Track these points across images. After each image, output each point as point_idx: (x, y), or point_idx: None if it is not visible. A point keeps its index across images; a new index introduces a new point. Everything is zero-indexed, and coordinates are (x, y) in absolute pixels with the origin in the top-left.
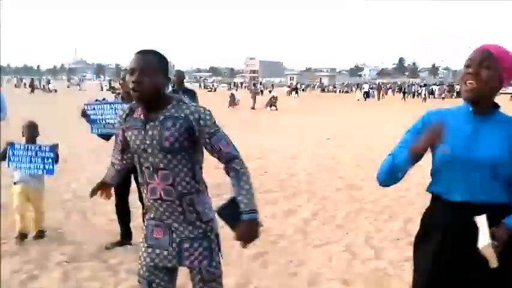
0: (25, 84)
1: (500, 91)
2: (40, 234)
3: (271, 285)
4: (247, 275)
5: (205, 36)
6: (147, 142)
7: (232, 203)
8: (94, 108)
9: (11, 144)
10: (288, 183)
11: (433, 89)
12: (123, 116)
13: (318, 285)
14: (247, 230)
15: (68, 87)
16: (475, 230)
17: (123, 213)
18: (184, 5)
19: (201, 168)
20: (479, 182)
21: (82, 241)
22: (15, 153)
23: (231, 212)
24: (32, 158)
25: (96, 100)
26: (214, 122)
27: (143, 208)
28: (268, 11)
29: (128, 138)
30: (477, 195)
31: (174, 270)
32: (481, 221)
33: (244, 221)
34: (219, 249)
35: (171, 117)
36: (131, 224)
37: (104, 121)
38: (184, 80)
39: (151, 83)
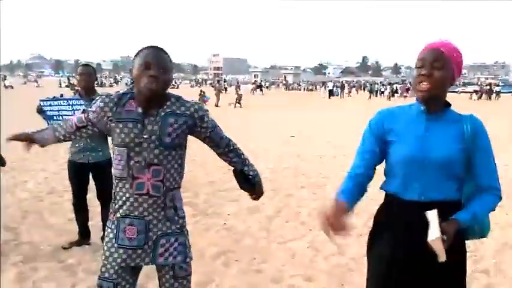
0: None
1: (460, 90)
2: None
3: (234, 283)
4: (209, 274)
5: (167, 32)
6: (145, 136)
7: (242, 172)
8: (50, 105)
9: None
10: None
11: (397, 88)
12: (110, 105)
13: (281, 282)
14: (260, 188)
15: (25, 83)
16: (423, 227)
17: (81, 212)
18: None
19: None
20: (433, 181)
21: (39, 241)
22: None
23: (244, 177)
24: None
25: (54, 97)
26: (212, 118)
27: (103, 206)
28: (232, 7)
29: (115, 130)
30: (432, 193)
31: (138, 272)
32: (432, 215)
33: (258, 182)
34: (190, 246)
35: (173, 114)
36: (89, 223)
37: (60, 117)
38: None
39: (166, 80)
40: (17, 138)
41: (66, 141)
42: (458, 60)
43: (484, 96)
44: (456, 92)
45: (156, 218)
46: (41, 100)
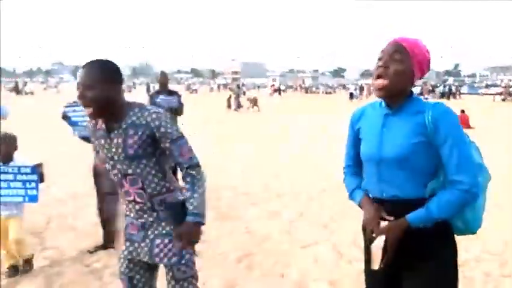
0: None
1: (483, 92)
2: (28, 265)
3: (257, 287)
4: (233, 278)
5: (186, 37)
6: (113, 150)
7: (181, 204)
8: (74, 110)
9: None
10: (272, 184)
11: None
12: (91, 128)
13: (305, 286)
14: (189, 230)
15: (45, 89)
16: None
17: (106, 216)
18: (165, 6)
19: (171, 167)
20: (391, 178)
21: (64, 245)
22: None
23: (178, 211)
24: (10, 183)
25: (75, 102)
26: (177, 129)
27: None
28: (250, 12)
29: (97, 148)
30: (392, 191)
31: (155, 268)
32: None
33: (187, 222)
34: (193, 250)
35: (133, 125)
36: (115, 228)
37: (85, 122)
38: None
39: (96, 96)
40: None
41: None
42: (420, 58)
43: (509, 98)
44: (479, 93)
45: (148, 219)
46: (65, 106)
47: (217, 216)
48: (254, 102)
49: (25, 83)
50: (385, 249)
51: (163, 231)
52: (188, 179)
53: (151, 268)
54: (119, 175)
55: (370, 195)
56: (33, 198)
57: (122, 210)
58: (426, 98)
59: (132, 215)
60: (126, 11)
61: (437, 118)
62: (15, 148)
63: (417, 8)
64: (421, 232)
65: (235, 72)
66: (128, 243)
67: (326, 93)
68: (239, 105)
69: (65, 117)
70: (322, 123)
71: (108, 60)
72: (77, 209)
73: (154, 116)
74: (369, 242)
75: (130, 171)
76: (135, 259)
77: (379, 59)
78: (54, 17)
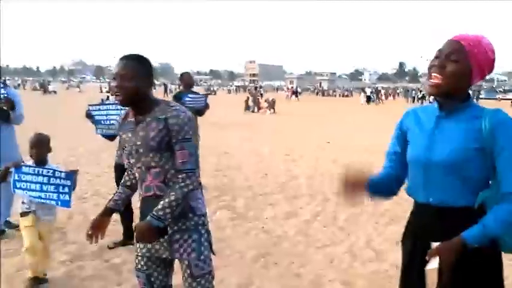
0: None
1: (501, 97)
2: (40, 281)
3: (273, 286)
4: (249, 276)
5: (205, 39)
6: (138, 143)
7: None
8: (99, 109)
9: (16, 168)
10: (288, 185)
11: None
12: (120, 121)
13: (320, 286)
14: (141, 229)
15: (67, 88)
16: (435, 230)
17: (126, 213)
18: (185, 8)
19: (198, 166)
20: (439, 183)
21: (84, 241)
22: (21, 177)
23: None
24: (44, 186)
25: (102, 101)
26: (188, 131)
27: None
28: (268, 14)
29: (124, 142)
30: (437, 196)
31: (170, 264)
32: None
33: (145, 221)
34: (211, 246)
35: (156, 119)
36: (133, 224)
37: (108, 121)
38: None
39: (131, 88)
40: (94, 227)
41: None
42: (481, 58)
43: None
44: (496, 99)
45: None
46: (90, 105)
47: (234, 216)
48: (272, 104)
49: (48, 82)
50: (440, 272)
51: (183, 227)
52: (174, 182)
53: (168, 265)
54: (143, 168)
55: (414, 199)
56: (66, 204)
57: (140, 207)
58: None
59: (147, 212)
60: (147, 13)
61: (496, 126)
62: (49, 150)
63: (434, 9)
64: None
65: (254, 75)
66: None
67: (343, 96)
68: (258, 107)
69: (89, 115)
70: (338, 126)
71: (145, 57)
72: (98, 206)
73: (174, 113)
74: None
75: (153, 163)
76: (153, 256)
77: (435, 58)
78: (78, 17)
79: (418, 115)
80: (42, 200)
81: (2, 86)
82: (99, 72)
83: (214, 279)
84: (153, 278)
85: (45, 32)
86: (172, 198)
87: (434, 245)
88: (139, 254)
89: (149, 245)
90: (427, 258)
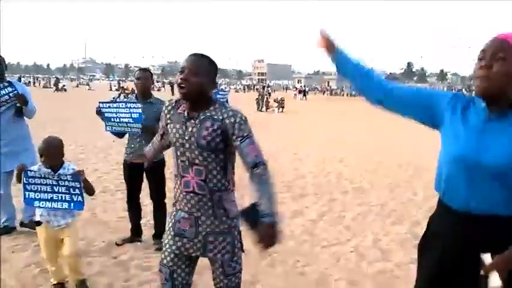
0: (34, 82)
1: None
2: (81, 285)
3: (278, 284)
4: (255, 274)
5: (213, 38)
6: (186, 137)
7: (253, 207)
8: (109, 107)
9: (25, 171)
10: (295, 184)
11: None
12: (169, 108)
13: (325, 285)
14: (267, 232)
15: (77, 86)
16: (476, 244)
17: (134, 210)
18: (194, 7)
19: (233, 168)
20: (484, 190)
21: (92, 237)
22: (30, 181)
23: (252, 214)
24: (55, 187)
25: (113, 98)
26: (249, 127)
27: (155, 205)
28: (277, 13)
29: (169, 130)
30: (481, 205)
31: (195, 263)
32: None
33: (264, 223)
34: (242, 246)
35: (210, 118)
36: (141, 222)
37: (118, 119)
38: None
39: (197, 83)
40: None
41: (163, 147)
42: None
43: None
44: None
45: (205, 214)
46: (100, 102)
47: None
48: (280, 103)
49: (58, 80)
50: None
51: (217, 230)
52: (255, 179)
53: (192, 263)
54: (186, 162)
55: (447, 203)
56: (79, 206)
57: (175, 204)
58: None
59: (186, 208)
60: (156, 12)
61: None
62: (63, 154)
63: (441, 9)
64: None
65: (262, 74)
66: (177, 238)
67: (350, 95)
68: (266, 107)
69: (99, 112)
70: (345, 126)
71: (212, 59)
72: (106, 203)
73: (230, 113)
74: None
75: (197, 161)
76: (182, 254)
77: (480, 59)
78: (88, 15)
79: (464, 106)
80: (54, 206)
81: (7, 84)
82: (108, 70)
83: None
84: (175, 275)
85: (56, 29)
86: (271, 192)
87: (487, 258)
88: (168, 250)
89: (180, 243)
90: (482, 272)
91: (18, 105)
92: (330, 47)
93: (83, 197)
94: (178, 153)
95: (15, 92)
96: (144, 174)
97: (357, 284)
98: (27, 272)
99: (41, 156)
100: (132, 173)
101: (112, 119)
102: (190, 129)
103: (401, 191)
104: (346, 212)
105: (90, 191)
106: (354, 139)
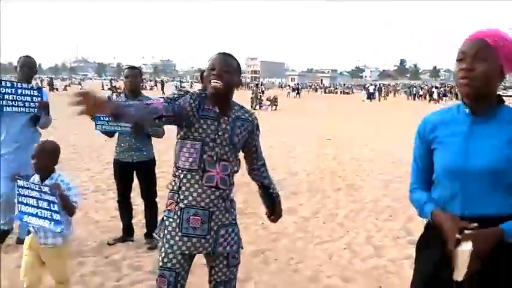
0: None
1: (501, 94)
2: None
3: (272, 281)
4: (248, 272)
5: (206, 36)
6: (219, 133)
7: (268, 190)
8: None
9: (17, 181)
10: (288, 181)
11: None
12: (197, 102)
13: (318, 281)
14: (280, 209)
15: (69, 85)
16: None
17: (125, 209)
18: (186, 5)
19: None
20: (478, 193)
21: (84, 237)
22: (21, 192)
23: (268, 195)
24: (39, 201)
25: (108, 97)
26: None
27: (146, 204)
28: (270, 11)
29: (197, 124)
30: (477, 208)
31: (193, 259)
32: (463, 253)
33: (278, 201)
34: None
35: (240, 118)
36: (132, 221)
37: (107, 118)
38: (184, 80)
39: (229, 80)
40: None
41: (145, 124)
42: (508, 50)
43: None
44: None
45: (219, 209)
46: None
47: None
48: (274, 101)
49: (52, 80)
50: (470, 259)
51: (226, 222)
52: (264, 168)
53: (191, 260)
54: (214, 157)
55: (445, 208)
56: (58, 224)
57: (181, 202)
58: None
59: (203, 203)
60: (148, 11)
61: None
62: (56, 161)
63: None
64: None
65: (255, 72)
66: (185, 238)
67: (344, 93)
68: (259, 104)
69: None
70: (338, 123)
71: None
72: (99, 202)
73: (254, 116)
74: (452, 246)
75: (225, 157)
76: (190, 254)
77: (460, 60)
78: (80, 14)
79: (444, 120)
80: (39, 223)
81: (36, 89)
82: (100, 69)
83: None
84: (180, 277)
85: (47, 29)
86: (272, 180)
87: (468, 231)
88: (176, 251)
89: (189, 243)
90: (458, 236)
91: (37, 113)
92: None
93: (61, 216)
94: (206, 148)
95: (41, 99)
96: (135, 174)
97: (350, 281)
98: (18, 272)
99: (32, 158)
100: (123, 172)
101: (102, 118)
102: (223, 125)
103: (394, 187)
104: (339, 209)
105: (69, 210)
106: (347, 136)
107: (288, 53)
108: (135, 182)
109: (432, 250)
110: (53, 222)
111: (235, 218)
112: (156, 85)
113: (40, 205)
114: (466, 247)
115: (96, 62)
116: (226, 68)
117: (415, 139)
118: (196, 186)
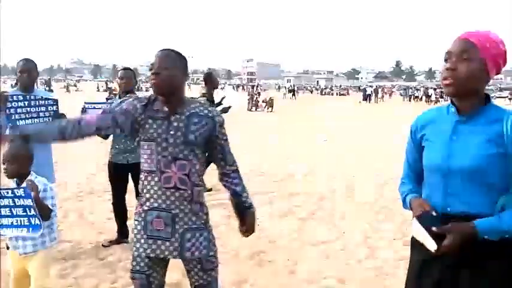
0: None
1: (496, 95)
2: None
3: (268, 283)
4: (244, 274)
5: (202, 37)
6: (171, 132)
7: (239, 199)
8: (94, 107)
9: None
10: (285, 183)
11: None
12: (141, 105)
13: (315, 283)
14: (252, 219)
15: (65, 87)
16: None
17: (120, 211)
18: (183, 6)
19: (204, 167)
20: (458, 192)
21: (79, 239)
22: None
23: (240, 205)
24: (13, 209)
25: (106, 99)
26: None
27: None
28: (266, 12)
29: (147, 126)
30: (457, 206)
31: (167, 264)
32: (417, 228)
33: (250, 212)
34: (214, 240)
35: (197, 115)
36: (128, 222)
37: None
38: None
39: (168, 76)
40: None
41: (72, 141)
42: (494, 52)
43: None
44: (492, 97)
45: (183, 211)
46: (86, 103)
47: (229, 213)
48: (270, 103)
49: (50, 80)
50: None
51: (193, 226)
52: (235, 175)
53: (165, 264)
54: (169, 158)
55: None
56: (36, 228)
57: (145, 204)
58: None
59: (164, 205)
60: (143, 12)
61: None
62: (31, 163)
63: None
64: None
65: (251, 73)
66: (150, 241)
67: (340, 94)
68: (256, 106)
69: (84, 111)
70: (334, 124)
71: (182, 54)
72: (93, 204)
73: (217, 113)
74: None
75: (181, 155)
76: (158, 257)
77: (446, 60)
78: (76, 15)
79: (432, 119)
80: (16, 233)
81: (52, 101)
82: (96, 71)
83: None
84: (152, 279)
85: (42, 31)
86: (246, 188)
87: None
88: (142, 255)
89: (154, 246)
90: (434, 229)
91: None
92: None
93: (39, 219)
94: (160, 149)
95: (57, 107)
96: (130, 175)
97: (346, 282)
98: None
99: (3, 163)
100: (118, 173)
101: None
102: (175, 124)
103: (390, 188)
104: (335, 210)
105: (44, 211)
106: (343, 137)
107: (284, 54)
108: (130, 184)
109: (415, 261)
110: (31, 228)
111: (206, 222)
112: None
113: (15, 213)
114: (415, 226)
115: (92, 63)
116: (165, 65)
117: (408, 136)
118: (156, 188)
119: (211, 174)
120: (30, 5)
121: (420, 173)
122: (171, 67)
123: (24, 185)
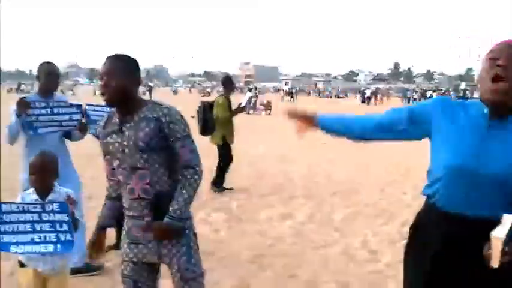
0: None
1: None
2: None
3: (268, 287)
4: (244, 278)
5: (199, 40)
6: (124, 143)
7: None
8: (94, 110)
9: None
10: (284, 186)
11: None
12: (102, 125)
13: (315, 287)
14: (161, 230)
15: (61, 91)
16: (474, 245)
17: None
18: (178, 7)
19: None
20: (485, 197)
21: (77, 245)
22: (5, 218)
23: (162, 206)
24: (36, 225)
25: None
26: (184, 127)
27: None
28: (264, 15)
29: (106, 146)
30: (479, 210)
31: (157, 269)
32: (508, 218)
33: (164, 222)
34: (198, 248)
35: (145, 118)
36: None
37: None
38: (178, 85)
39: (117, 86)
40: (93, 244)
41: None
42: None
43: None
44: None
45: (156, 219)
46: (87, 104)
47: (229, 217)
48: (267, 106)
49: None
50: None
51: None
52: (181, 180)
53: (155, 269)
54: (128, 169)
55: (442, 207)
56: (68, 246)
57: (125, 212)
58: None
59: (136, 214)
60: (140, 16)
61: None
62: (56, 176)
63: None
64: None
65: (249, 76)
66: (132, 246)
67: (338, 97)
68: (254, 109)
69: (85, 114)
70: None
71: (131, 56)
72: (94, 209)
73: (165, 111)
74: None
75: (139, 164)
76: (141, 261)
77: (494, 59)
78: (71, 19)
79: (456, 113)
80: (36, 250)
81: (75, 108)
82: (92, 74)
83: (209, 281)
84: (140, 284)
85: (38, 36)
86: (186, 196)
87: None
88: (126, 260)
89: (136, 250)
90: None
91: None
92: (309, 121)
93: (72, 235)
94: (119, 162)
95: (80, 115)
96: None
97: (346, 286)
98: (11, 280)
99: (31, 174)
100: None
101: (97, 122)
102: (126, 133)
103: (390, 191)
104: (335, 213)
105: (75, 226)
106: (342, 140)
107: (282, 57)
108: None
109: (420, 261)
110: (59, 245)
111: (185, 228)
112: (149, 90)
113: (39, 228)
114: (501, 234)
115: (87, 67)
116: (112, 75)
117: (422, 104)
118: (126, 197)
119: (231, 175)
120: (25, 10)
121: (384, 126)
122: (118, 76)
123: (50, 197)
